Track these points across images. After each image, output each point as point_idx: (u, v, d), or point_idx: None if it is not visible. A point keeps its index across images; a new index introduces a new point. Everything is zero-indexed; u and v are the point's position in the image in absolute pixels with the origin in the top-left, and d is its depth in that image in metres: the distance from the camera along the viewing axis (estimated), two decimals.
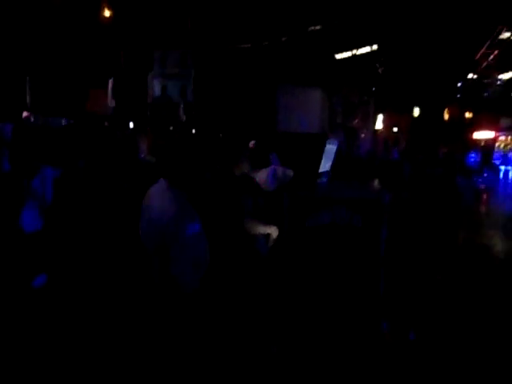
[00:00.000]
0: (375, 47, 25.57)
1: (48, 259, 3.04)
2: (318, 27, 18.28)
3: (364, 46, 25.11)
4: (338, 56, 25.63)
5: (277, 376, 2.50)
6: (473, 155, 22.34)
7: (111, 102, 5.77)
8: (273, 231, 3.00)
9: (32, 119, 5.45)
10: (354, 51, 25.93)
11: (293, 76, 19.12)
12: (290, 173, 3.95)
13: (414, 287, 3.83)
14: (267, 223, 3.06)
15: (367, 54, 26.29)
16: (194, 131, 9.39)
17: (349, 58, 26.35)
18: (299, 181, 3.02)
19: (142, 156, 6.13)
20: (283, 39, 17.92)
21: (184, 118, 8.82)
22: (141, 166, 5.50)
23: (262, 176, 4.16)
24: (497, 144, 28.07)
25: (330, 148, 3.10)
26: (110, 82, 5.74)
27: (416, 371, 2.50)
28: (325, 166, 2.98)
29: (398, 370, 2.47)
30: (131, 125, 6.09)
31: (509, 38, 22.53)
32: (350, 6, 15.93)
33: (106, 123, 6.26)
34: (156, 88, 11.50)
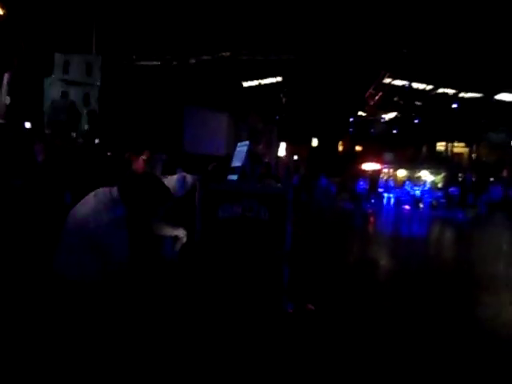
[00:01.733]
0: (279, 79, 27.31)
1: None
2: (227, 53, 18.94)
3: (269, 76, 26.65)
4: (245, 84, 26.79)
5: (186, 362, 2.52)
6: (361, 183, 24.73)
7: (5, 99, 5.26)
8: (181, 233, 3.05)
9: None
10: (260, 81, 27.36)
11: (201, 98, 19.41)
12: (199, 178, 4.05)
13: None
14: (175, 226, 3.10)
15: (272, 84, 27.91)
16: (96, 141, 9.01)
17: (255, 86, 27.69)
18: (210, 179, 3.14)
19: (39, 159, 5.68)
20: (192, 61, 18.19)
21: (86, 126, 8.36)
22: (37, 168, 5.11)
23: (170, 182, 4.19)
24: (381, 175, 31.49)
25: (241, 149, 3.28)
26: (6, 76, 5.24)
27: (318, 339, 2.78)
28: (236, 163, 3.15)
29: (302, 339, 2.70)
30: (27, 125, 5.61)
31: (389, 82, 25.87)
32: (258, 38, 16.88)
33: None
34: (55, 93, 10.73)
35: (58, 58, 11.44)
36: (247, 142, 3.19)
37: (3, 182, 4.18)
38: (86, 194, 2.94)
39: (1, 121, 5.99)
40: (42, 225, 3.66)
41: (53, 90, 10.85)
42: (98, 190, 2.70)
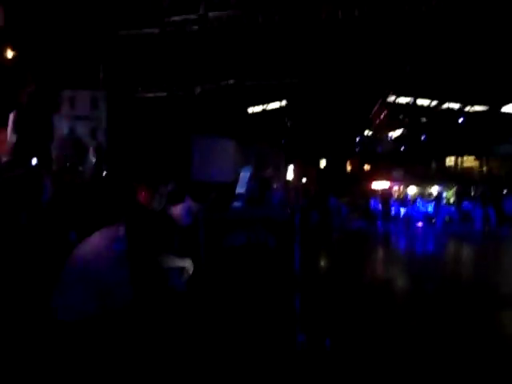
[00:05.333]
0: (284, 103, 27.58)
1: None
2: (231, 81, 19.24)
3: (274, 101, 26.94)
4: (250, 110, 27.11)
5: None
6: (373, 202, 24.51)
7: (11, 137, 5.33)
8: (188, 264, 2.96)
9: None
10: (265, 106, 27.67)
11: (207, 127, 19.65)
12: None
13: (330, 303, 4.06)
14: (182, 257, 3.02)
15: (277, 109, 28.19)
16: (104, 173, 9.08)
17: (260, 112, 28.00)
18: (213, 208, 3.06)
19: (46, 197, 5.64)
20: (198, 90, 18.49)
21: (94, 159, 8.49)
22: (43, 204, 5.08)
23: (176, 211, 4.13)
24: (393, 193, 31.20)
25: (244, 175, 3.21)
26: (12, 115, 5.34)
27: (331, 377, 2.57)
28: (240, 190, 3.07)
29: (314, 377, 2.50)
30: (34, 161, 5.68)
31: (394, 100, 25.92)
32: (261, 63, 17.15)
33: (2, 159, 5.73)
34: (64, 128, 10.99)
35: (65, 94, 11.77)
36: (249, 167, 3.12)
37: (9, 218, 4.13)
38: (91, 231, 2.91)
39: (7, 158, 6.03)
40: (45, 263, 3.59)
41: (60, 125, 11.12)
42: (104, 228, 2.68)
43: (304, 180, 35.95)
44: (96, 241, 2.75)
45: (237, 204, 3.00)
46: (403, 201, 25.48)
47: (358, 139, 35.22)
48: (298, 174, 35.65)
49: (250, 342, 2.57)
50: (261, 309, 2.64)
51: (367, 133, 33.85)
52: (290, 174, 34.09)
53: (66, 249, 4.04)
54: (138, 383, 2.61)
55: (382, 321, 4.29)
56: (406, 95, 24.45)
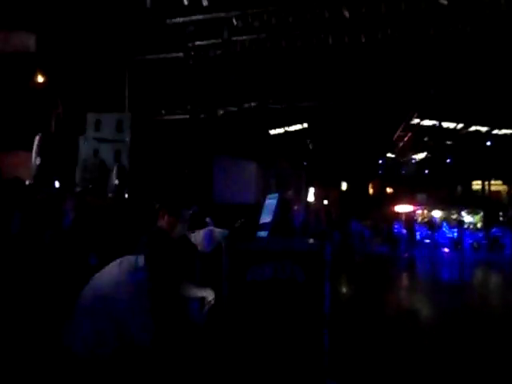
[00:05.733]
0: (305, 125, 27.57)
1: None
2: (253, 104, 19.36)
3: (296, 123, 26.98)
4: (272, 132, 27.19)
5: None
6: (397, 226, 23.93)
7: (36, 160, 5.35)
8: (208, 294, 2.81)
9: None
10: (287, 128, 27.72)
11: (229, 148, 19.74)
12: (226, 233, 3.83)
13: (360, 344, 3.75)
14: (202, 286, 2.87)
15: (299, 130, 28.22)
16: (126, 195, 9.12)
17: (282, 133, 28.05)
18: (237, 237, 2.90)
19: (70, 217, 5.60)
20: (220, 113, 18.68)
21: (117, 181, 8.52)
22: (66, 227, 5.03)
23: (198, 237, 3.99)
24: (416, 217, 30.44)
25: (271, 202, 3.05)
26: (38, 137, 5.39)
27: None
28: (265, 219, 2.90)
29: None
30: (57, 184, 5.71)
31: (418, 123, 25.53)
32: (284, 88, 17.23)
33: (27, 182, 5.74)
34: (88, 150, 11.18)
35: (91, 117, 12.05)
36: (276, 195, 2.96)
37: (35, 240, 4.08)
38: (112, 254, 2.81)
39: (30, 181, 6.05)
40: (64, 286, 3.49)
41: (85, 148, 11.34)
42: (124, 257, 2.58)
43: (325, 202, 35.55)
44: (114, 271, 2.64)
45: (262, 233, 2.84)
46: (428, 225, 24.78)
47: (380, 161, 34.75)
48: (319, 196, 35.30)
49: None
50: (286, 349, 2.43)
51: (390, 155, 33.39)
52: (310, 196, 33.77)
53: (85, 272, 3.94)
54: None
55: (411, 361, 3.91)
56: (430, 118, 24.06)
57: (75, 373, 2.36)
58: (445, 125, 24.83)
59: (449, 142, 27.67)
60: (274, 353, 2.38)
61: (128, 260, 2.62)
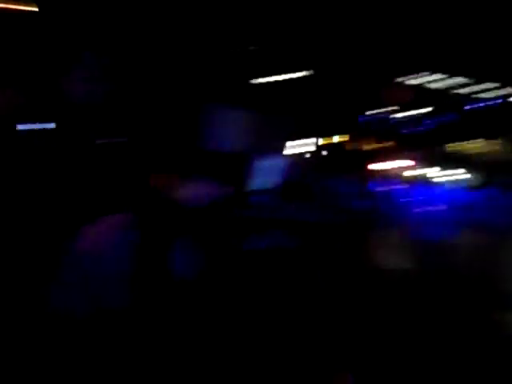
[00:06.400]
0: (307, 73, 26.82)
1: None
2: (252, 48, 18.59)
3: (290, 72, 26.19)
4: (270, 79, 26.45)
5: None
6: (375, 182, 24.15)
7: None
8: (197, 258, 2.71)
9: None
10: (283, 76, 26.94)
11: (219, 94, 19.17)
12: (221, 189, 3.67)
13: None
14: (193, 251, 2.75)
15: (292, 79, 27.46)
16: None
17: (278, 81, 27.32)
18: (234, 199, 2.72)
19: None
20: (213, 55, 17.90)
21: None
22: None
23: (191, 192, 3.82)
24: (404, 175, 30.76)
25: (272, 165, 2.85)
26: None
27: None
28: (265, 183, 2.72)
29: None
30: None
31: (417, 77, 24.94)
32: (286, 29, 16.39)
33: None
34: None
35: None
36: (279, 158, 2.76)
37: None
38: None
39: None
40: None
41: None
42: (110, 216, 2.43)
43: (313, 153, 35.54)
44: (102, 229, 2.51)
45: (259, 198, 2.66)
46: (414, 183, 24.95)
47: (367, 113, 34.51)
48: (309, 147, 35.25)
49: (264, 364, 2.29)
50: (282, 319, 2.35)
51: (373, 111, 33.13)
52: (296, 148, 33.71)
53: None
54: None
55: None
56: (436, 72, 23.41)
57: (62, 330, 2.28)
58: (450, 81, 24.28)
59: (454, 98, 27.24)
60: (270, 323, 2.29)
61: (114, 218, 2.51)
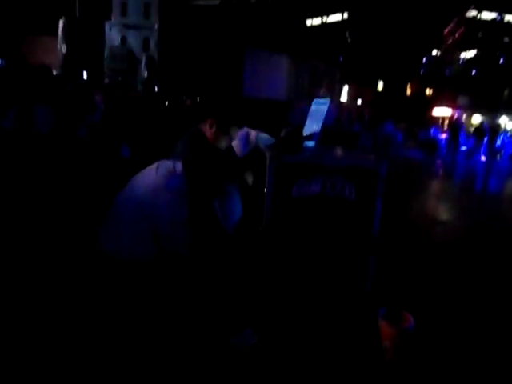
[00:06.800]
0: (345, 15, 25.09)
1: None
2: None
3: (335, 13, 24.60)
4: (309, 22, 25.00)
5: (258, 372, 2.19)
6: (434, 130, 22.79)
7: (62, 48, 4.95)
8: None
9: None
10: (325, 18, 25.37)
11: (261, 40, 18.42)
12: (265, 135, 3.57)
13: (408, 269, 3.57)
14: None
15: (337, 23, 25.81)
16: (156, 89, 8.72)
17: (318, 25, 25.78)
18: (282, 143, 2.62)
19: (99, 115, 5.38)
20: (253, 0, 17.06)
21: (146, 73, 8.04)
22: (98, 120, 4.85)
23: (233, 139, 3.75)
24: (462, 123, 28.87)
25: (318, 108, 2.71)
26: (61, 22, 4.90)
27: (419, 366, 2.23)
28: (312, 127, 2.60)
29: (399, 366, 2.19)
30: (85, 75, 5.40)
31: (475, 16, 22.70)
32: None
33: (54, 72, 5.42)
34: (114, 38, 10.42)
35: (116, 0, 11.03)
36: (327, 100, 2.61)
37: (69, 134, 3.95)
38: (144, 146, 2.64)
39: (57, 72, 5.74)
40: (98, 179, 3.44)
41: (112, 35, 10.52)
42: (161, 162, 2.42)
43: (359, 102, 33.95)
44: (151, 176, 2.48)
45: (310, 144, 2.56)
46: (477, 133, 23.22)
47: (424, 60, 32.01)
48: (353, 95, 33.58)
49: (313, 309, 2.29)
50: (328, 271, 2.32)
51: (436, 53, 30.57)
52: (344, 96, 32.16)
53: (119, 164, 3.84)
54: (189, 329, 2.48)
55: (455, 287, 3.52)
56: (491, 9, 21.23)
57: (113, 274, 2.36)
58: (507, 18, 21.93)
59: (507, 40, 24.81)
60: (316, 275, 2.28)
61: (165, 165, 2.46)
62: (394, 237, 4.19)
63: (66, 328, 2.39)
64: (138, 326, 2.27)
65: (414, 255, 4.15)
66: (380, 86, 36.42)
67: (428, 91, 34.88)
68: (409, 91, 36.76)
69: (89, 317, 2.33)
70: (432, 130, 22.85)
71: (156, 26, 11.03)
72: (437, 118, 29.79)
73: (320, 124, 2.55)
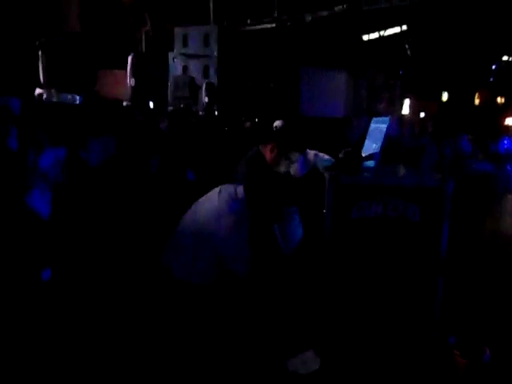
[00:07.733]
0: (405, 28, 24.46)
1: (54, 250, 2.74)
2: (344, 6, 17.48)
3: (393, 26, 24.09)
4: (365, 37, 24.69)
5: None
6: (505, 142, 21.26)
7: (131, 81, 5.41)
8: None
9: (45, 96, 5.12)
10: (382, 32, 24.92)
11: (317, 58, 18.51)
12: (323, 155, 3.56)
13: (481, 294, 3.30)
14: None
15: (395, 34, 25.24)
16: (216, 113, 9.07)
17: (376, 39, 25.37)
18: (341, 164, 2.60)
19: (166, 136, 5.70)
20: (308, 19, 17.24)
21: (206, 98, 8.45)
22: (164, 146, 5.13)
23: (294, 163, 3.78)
24: None
25: (377, 127, 2.66)
26: (130, 58, 5.36)
27: None
28: (371, 147, 2.56)
29: None
30: (151, 105, 5.82)
31: None
32: None
33: (124, 103, 5.88)
34: (177, 67, 11.14)
35: (178, 32, 11.76)
36: (387, 119, 2.56)
37: (143, 164, 4.21)
38: (208, 170, 2.73)
39: (127, 103, 6.19)
40: (164, 203, 3.61)
41: (175, 65, 11.25)
42: (223, 186, 2.50)
43: (422, 115, 32.60)
44: (214, 200, 2.57)
45: (369, 164, 2.52)
46: None
47: (493, 67, 30.15)
48: (415, 108, 32.32)
49: (375, 336, 2.21)
50: (393, 296, 2.23)
51: (506, 58, 28.70)
52: (405, 109, 31.05)
53: (184, 188, 4.00)
54: (253, 350, 2.49)
55: None
56: None
57: (174, 293, 2.44)
58: None
59: None
60: (380, 299, 2.20)
61: (227, 189, 2.54)
62: (466, 259, 3.90)
63: (138, 350, 2.50)
64: (201, 344, 2.32)
65: (488, 278, 3.83)
66: (445, 97, 34.76)
67: (499, 99, 32.68)
68: (477, 101, 34.69)
69: (161, 334, 2.42)
70: (505, 141, 21.34)
71: (215, 53, 11.65)
72: (510, 128, 27.74)
73: (379, 143, 2.50)
